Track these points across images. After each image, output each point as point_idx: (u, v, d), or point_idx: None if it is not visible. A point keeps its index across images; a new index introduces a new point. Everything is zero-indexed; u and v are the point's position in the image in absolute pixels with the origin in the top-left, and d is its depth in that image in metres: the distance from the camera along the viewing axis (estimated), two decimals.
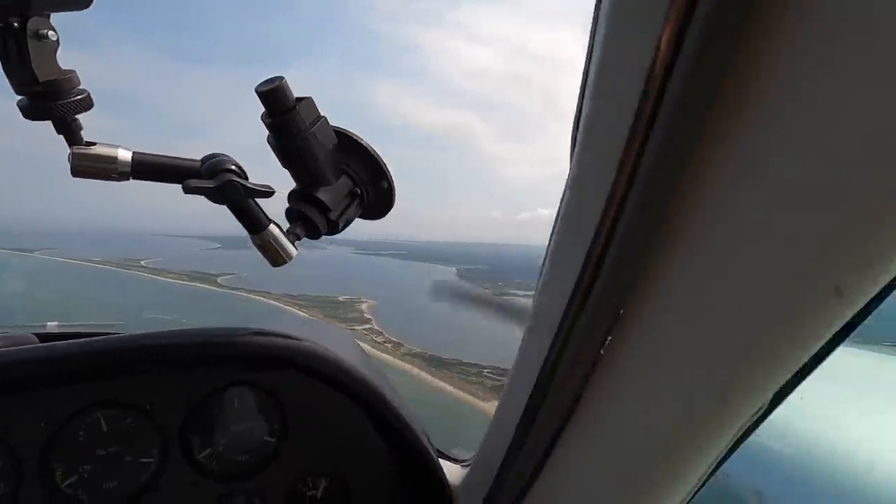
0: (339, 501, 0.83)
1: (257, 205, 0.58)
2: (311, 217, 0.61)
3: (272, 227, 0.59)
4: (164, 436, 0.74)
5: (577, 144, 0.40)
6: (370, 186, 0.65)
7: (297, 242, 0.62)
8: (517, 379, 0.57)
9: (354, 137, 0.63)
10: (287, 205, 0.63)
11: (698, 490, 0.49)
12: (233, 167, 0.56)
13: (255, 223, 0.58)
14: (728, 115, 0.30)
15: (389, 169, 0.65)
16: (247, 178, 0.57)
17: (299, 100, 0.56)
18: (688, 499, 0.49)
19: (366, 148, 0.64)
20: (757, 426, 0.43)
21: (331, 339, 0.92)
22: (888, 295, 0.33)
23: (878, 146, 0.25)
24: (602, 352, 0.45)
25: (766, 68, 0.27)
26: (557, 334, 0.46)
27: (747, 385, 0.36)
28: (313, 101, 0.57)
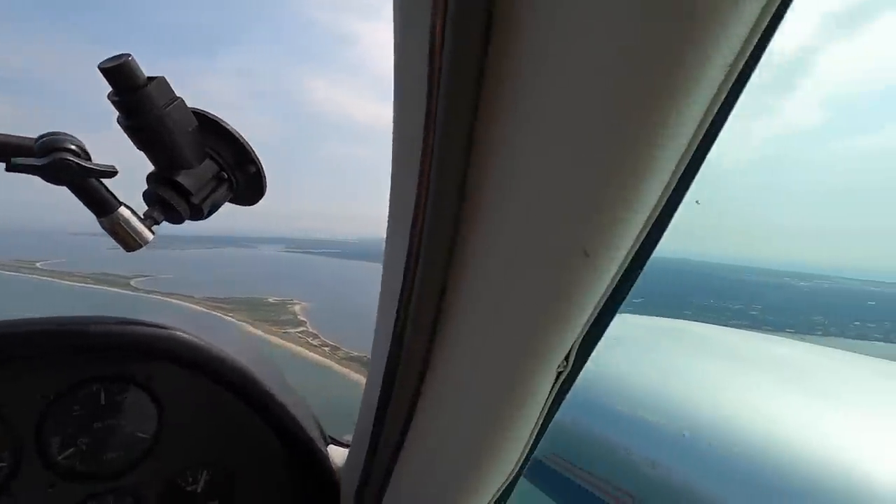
0: (222, 493, 0.82)
1: (104, 186, 0.56)
2: (171, 201, 0.60)
3: (123, 209, 0.57)
4: (17, 436, 0.69)
5: (392, 143, 0.43)
6: (238, 171, 0.65)
7: (154, 227, 0.60)
8: (375, 359, 0.60)
9: (217, 121, 0.62)
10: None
11: (536, 441, 0.54)
12: (71, 146, 0.53)
13: (100, 206, 0.56)
14: (489, 116, 0.34)
15: (257, 153, 0.65)
16: (89, 159, 0.54)
17: (150, 79, 0.55)
18: (528, 447, 0.54)
19: (231, 132, 0.63)
20: (571, 383, 0.49)
21: (214, 329, 0.89)
22: (644, 260, 0.39)
23: (609, 126, 0.30)
24: (436, 327, 0.48)
25: (510, 70, 0.31)
26: (398, 316, 0.49)
27: (545, 343, 0.41)
28: (167, 81, 0.56)
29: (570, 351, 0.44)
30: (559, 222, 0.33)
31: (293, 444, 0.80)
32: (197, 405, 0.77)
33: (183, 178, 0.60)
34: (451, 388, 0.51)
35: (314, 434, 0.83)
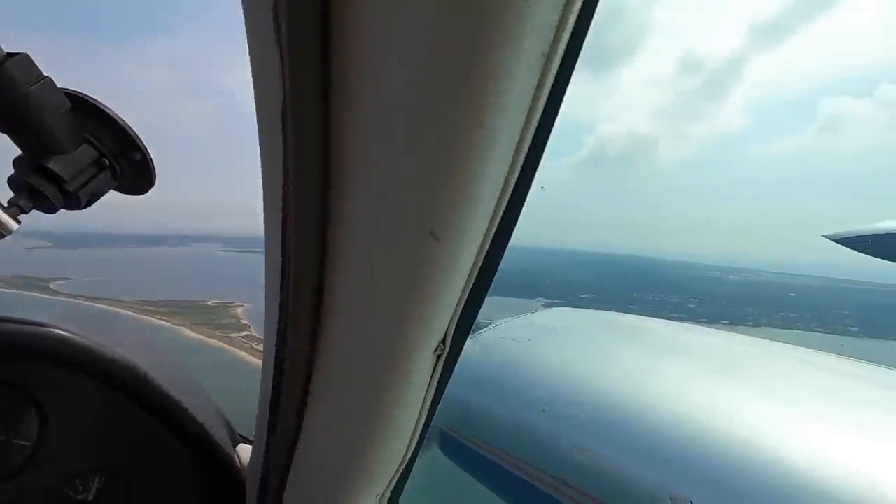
0: (117, 500, 0.77)
1: None
2: (40, 188, 0.56)
3: None
4: None
5: (260, 151, 0.43)
6: (121, 157, 0.61)
7: (20, 216, 0.56)
8: (266, 360, 0.59)
9: (95, 103, 0.59)
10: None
11: (427, 423, 0.56)
12: None
13: None
14: (340, 110, 0.34)
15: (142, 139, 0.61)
16: None
17: (10, 55, 0.51)
18: (419, 430, 0.55)
19: (111, 116, 0.60)
20: (452, 364, 0.50)
21: (111, 328, 0.84)
22: (501, 245, 0.41)
23: (436, 129, 0.31)
24: (317, 326, 0.48)
25: (354, 64, 0.32)
26: (280, 316, 0.49)
27: (418, 328, 0.43)
28: (30, 59, 0.52)
29: (446, 333, 0.46)
30: (407, 208, 0.34)
31: (193, 444, 0.77)
32: (84, 408, 0.72)
33: (54, 164, 0.56)
34: (336, 382, 0.52)
35: (218, 433, 0.80)
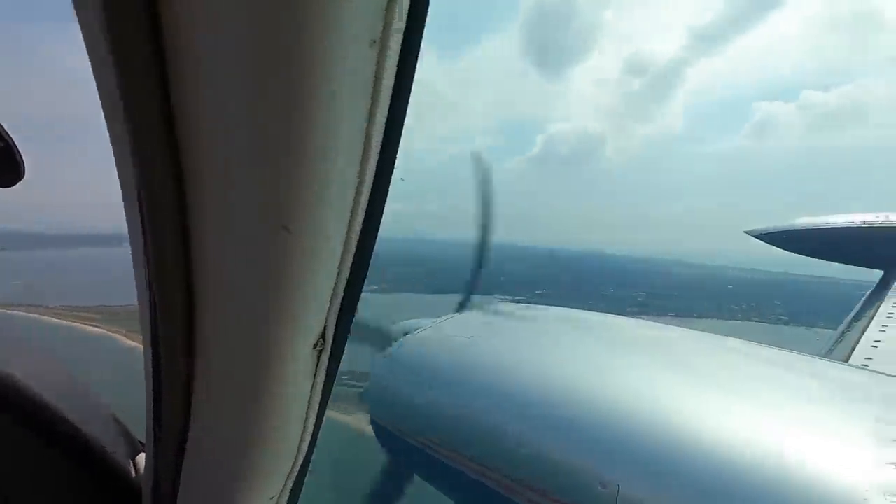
0: None
1: None
2: None
3: None
4: None
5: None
6: None
7: None
8: (145, 355, 0.56)
9: None
10: None
11: (319, 419, 0.55)
12: None
13: None
14: (184, 105, 0.33)
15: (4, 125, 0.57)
16: None
17: None
18: (311, 427, 0.54)
19: None
20: (338, 358, 0.50)
21: None
22: (366, 242, 0.41)
23: (275, 126, 0.30)
24: (191, 330, 0.46)
25: (190, 60, 0.31)
26: (151, 312, 0.46)
27: (289, 323, 0.42)
28: None
29: (325, 328, 0.46)
30: (260, 206, 0.34)
31: (79, 455, 0.72)
32: None
33: None
34: (216, 382, 0.50)
35: (108, 440, 0.75)
